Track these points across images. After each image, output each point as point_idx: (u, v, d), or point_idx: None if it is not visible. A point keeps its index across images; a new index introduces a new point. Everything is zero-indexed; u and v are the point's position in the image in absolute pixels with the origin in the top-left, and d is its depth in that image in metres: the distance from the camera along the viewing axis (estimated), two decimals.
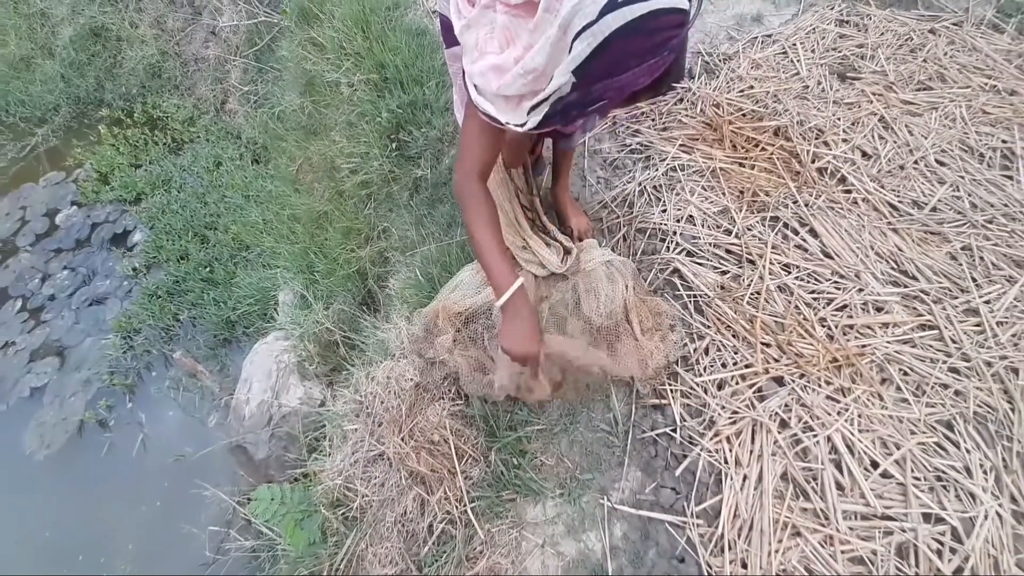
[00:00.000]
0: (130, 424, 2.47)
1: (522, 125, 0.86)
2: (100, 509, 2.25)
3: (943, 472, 1.18)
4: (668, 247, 1.55)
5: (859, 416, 1.25)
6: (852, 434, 1.22)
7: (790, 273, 1.48)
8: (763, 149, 1.75)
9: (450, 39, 1.13)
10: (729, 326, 1.40)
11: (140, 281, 2.92)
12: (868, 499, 1.15)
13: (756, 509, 1.16)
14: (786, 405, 1.28)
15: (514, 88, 0.83)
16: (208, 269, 2.86)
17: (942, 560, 1.09)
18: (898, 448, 1.21)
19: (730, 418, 1.27)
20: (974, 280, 1.44)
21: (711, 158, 1.73)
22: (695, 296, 1.46)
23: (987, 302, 1.40)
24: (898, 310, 1.40)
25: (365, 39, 2.31)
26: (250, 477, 2.05)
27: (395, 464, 1.32)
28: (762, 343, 1.37)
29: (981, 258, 1.48)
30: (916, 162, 1.69)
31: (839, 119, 1.80)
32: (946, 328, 1.36)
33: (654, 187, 1.69)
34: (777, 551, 1.11)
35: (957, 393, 1.28)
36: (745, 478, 1.20)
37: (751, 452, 1.22)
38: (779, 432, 1.24)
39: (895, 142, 1.73)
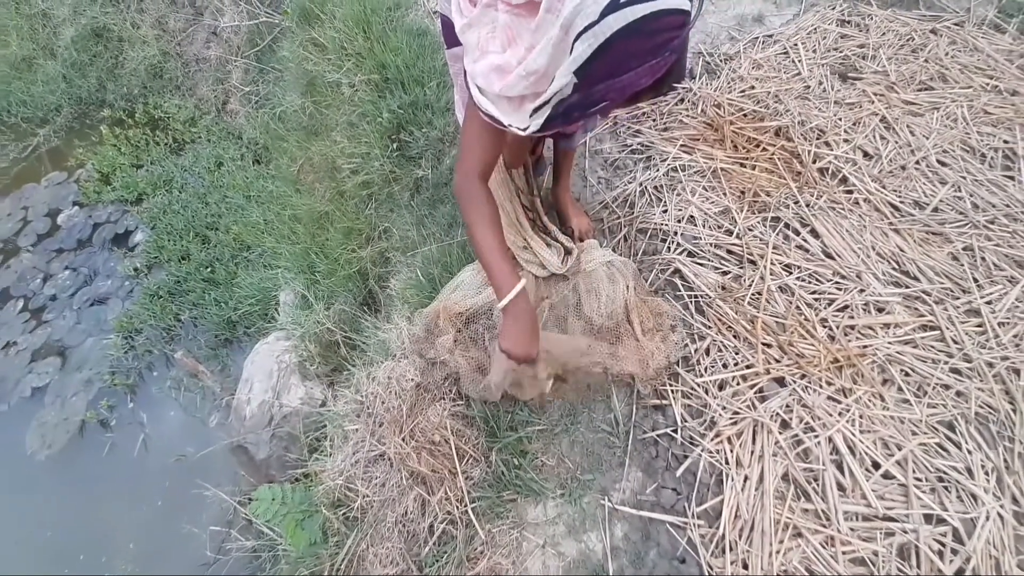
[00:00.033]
0: (131, 424, 2.47)
1: (524, 128, 0.86)
2: (101, 509, 2.25)
3: (944, 473, 1.18)
4: (669, 247, 1.55)
5: (860, 417, 1.25)
6: (853, 435, 1.22)
7: (791, 273, 1.48)
8: (764, 149, 1.75)
9: (451, 39, 1.13)
10: (730, 326, 1.40)
11: (141, 281, 2.92)
12: (869, 500, 1.15)
13: (757, 510, 1.16)
14: (787, 406, 1.28)
15: (517, 89, 0.83)
16: (209, 269, 2.86)
17: (943, 561, 1.09)
18: (899, 449, 1.21)
19: (731, 419, 1.27)
20: (975, 281, 1.44)
21: (712, 158, 1.73)
22: (696, 296, 1.46)
23: (989, 303, 1.40)
24: (899, 311, 1.40)
25: (366, 39, 2.32)
26: (251, 477, 2.05)
27: (396, 464, 1.31)
28: (763, 344, 1.36)
29: (983, 258, 1.48)
30: (917, 162, 1.69)
31: (840, 119, 1.80)
32: (947, 329, 1.36)
33: (655, 187, 1.69)
34: (778, 552, 1.11)
35: (958, 394, 1.28)
36: (746, 479, 1.19)
37: (752, 453, 1.22)
38: (780, 433, 1.24)
39: (896, 142, 1.73)
